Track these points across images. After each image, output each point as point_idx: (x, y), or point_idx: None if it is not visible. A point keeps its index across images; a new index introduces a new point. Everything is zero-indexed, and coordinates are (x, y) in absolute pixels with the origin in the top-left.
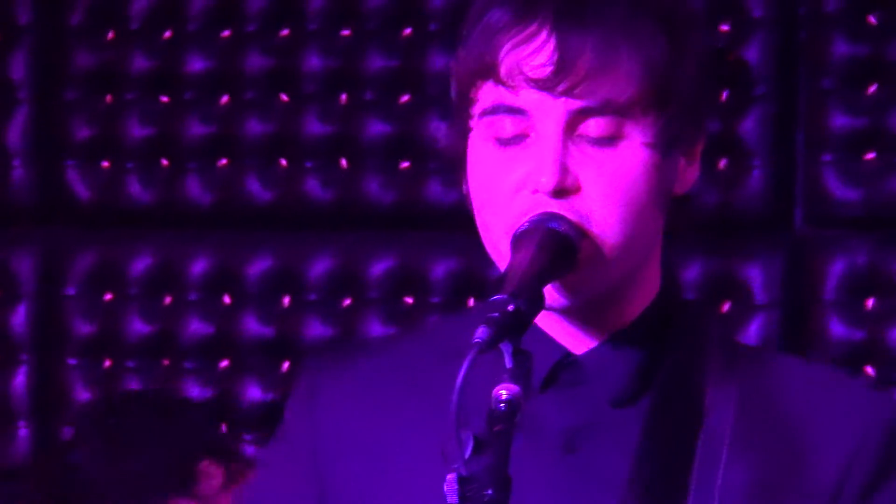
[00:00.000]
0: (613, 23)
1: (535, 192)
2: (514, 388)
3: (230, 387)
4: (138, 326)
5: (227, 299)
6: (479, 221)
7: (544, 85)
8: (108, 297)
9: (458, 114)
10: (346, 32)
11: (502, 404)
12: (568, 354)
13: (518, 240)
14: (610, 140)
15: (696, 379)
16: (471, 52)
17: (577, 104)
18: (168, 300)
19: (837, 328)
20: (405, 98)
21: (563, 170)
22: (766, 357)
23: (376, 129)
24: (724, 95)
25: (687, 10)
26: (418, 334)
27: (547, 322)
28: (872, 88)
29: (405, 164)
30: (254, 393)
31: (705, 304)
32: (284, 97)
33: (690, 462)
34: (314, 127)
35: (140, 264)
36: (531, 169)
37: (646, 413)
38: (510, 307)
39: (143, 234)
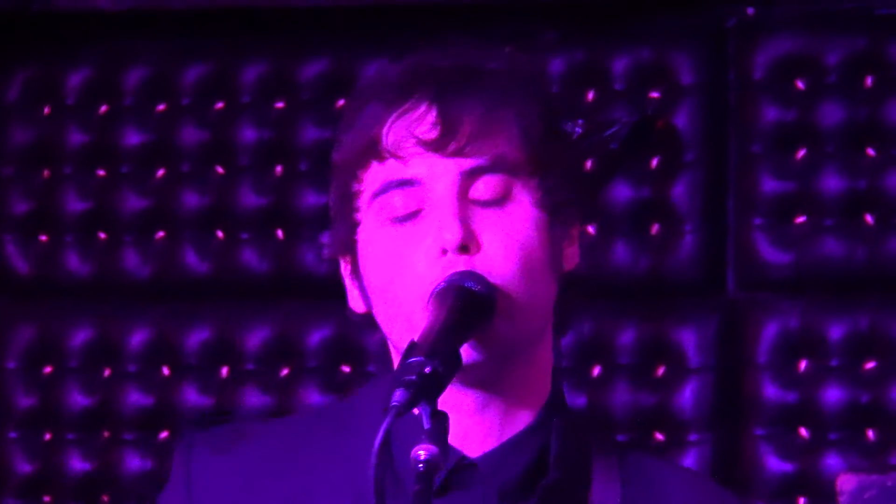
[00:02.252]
0: (492, 92)
1: (442, 252)
2: (433, 448)
3: (169, 459)
4: (78, 399)
5: (165, 370)
6: (386, 306)
7: (434, 146)
8: (48, 369)
9: (341, 214)
10: (280, 104)
11: (421, 465)
12: (463, 458)
13: (432, 301)
14: (501, 200)
15: (581, 477)
16: (354, 137)
17: (468, 163)
18: (107, 372)
19: (770, 390)
20: None
21: (465, 226)
22: (642, 458)
23: (311, 199)
24: (655, 162)
25: (552, 96)
26: (303, 416)
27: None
28: (801, 153)
29: None
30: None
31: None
32: (220, 169)
33: None
34: (249, 198)
35: (79, 337)
36: (434, 232)
37: None
38: (427, 369)
39: (82, 306)
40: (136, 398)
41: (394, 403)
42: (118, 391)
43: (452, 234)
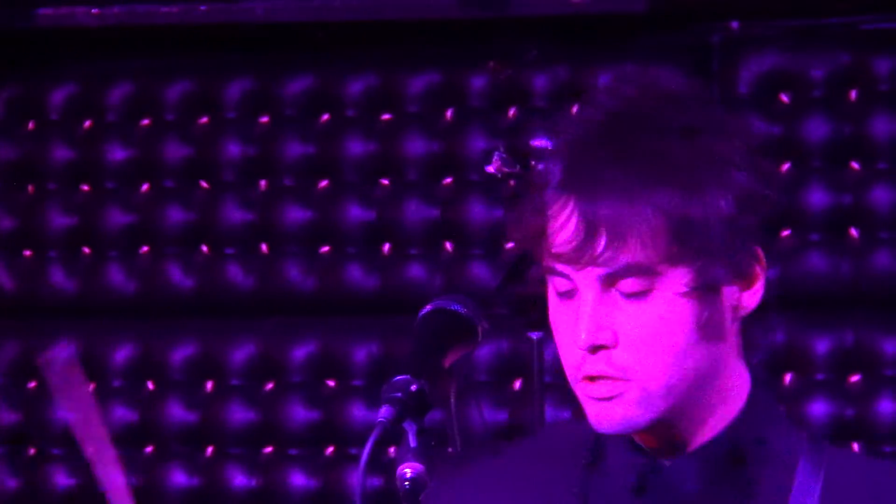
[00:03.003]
0: (624, 193)
1: (579, 348)
2: (419, 466)
3: (156, 473)
4: (63, 415)
5: (150, 386)
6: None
7: (569, 259)
8: (32, 384)
9: (532, 261)
10: (264, 119)
11: (407, 483)
12: (655, 462)
13: (420, 323)
14: (642, 294)
15: (780, 478)
16: (528, 219)
17: (602, 271)
18: (91, 388)
19: None
20: (324, 184)
21: (597, 329)
22: (848, 455)
23: (296, 214)
24: None
25: (714, 151)
26: (533, 438)
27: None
28: (786, 167)
29: (325, 250)
30: (179, 479)
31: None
32: (204, 184)
33: None
34: (234, 214)
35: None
36: (573, 327)
37: None
38: (413, 387)
39: (66, 323)
40: (121, 413)
41: (380, 419)
42: (103, 406)
43: (584, 338)
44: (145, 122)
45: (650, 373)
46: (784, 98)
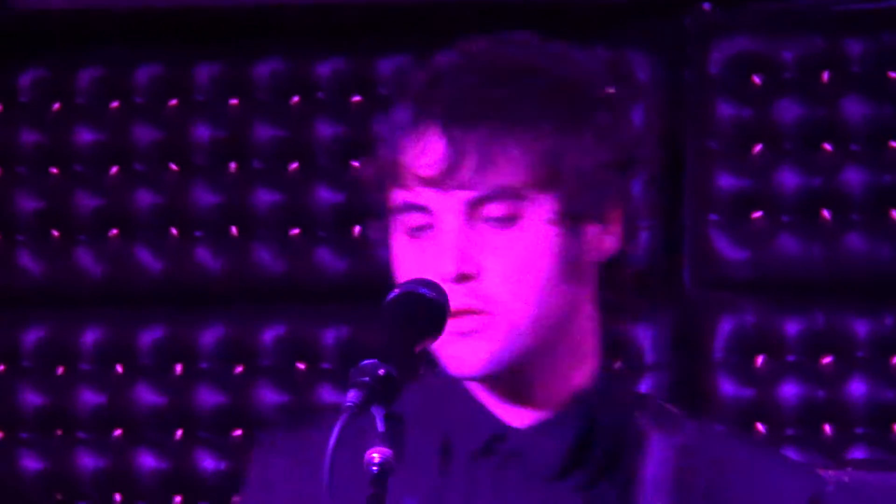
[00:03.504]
0: (499, 115)
1: (443, 281)
2: (387, 451)
3: (125, 457)
4: (31, 398)
5: (119, 369)
6: None
7: (435, 182)
8: (1, 368)
9: (380, 209)
10: (234, 102)
11: (375, 468)
12: (504, 428)
13: (388, 307)
14: (509, 221)
15: (632, 451)
16: (380, 153)
17: (470, 195)
18: (61, 371)
19: (727, 387)
20: (295, 166)
21: (462, 259)
22: (704, 428)
23: (266, 197)
24: None
25: (583, 89)
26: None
27: (486, 395)
28: (758, 149)
29: (295, 232)
30: (148, 462)
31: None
32: (174, 167)
33: None
34: (204, 197)
35: (31, 337)
36: (434, 258)
37: (581, 489)
38: (381, 371)
39: (35, 309)
40: (89, 398)
41: (348, 404)
42: (71, 391)
43: (450, 268)
44: (115, 105)
45: (516, 305)
46: (756, 80)
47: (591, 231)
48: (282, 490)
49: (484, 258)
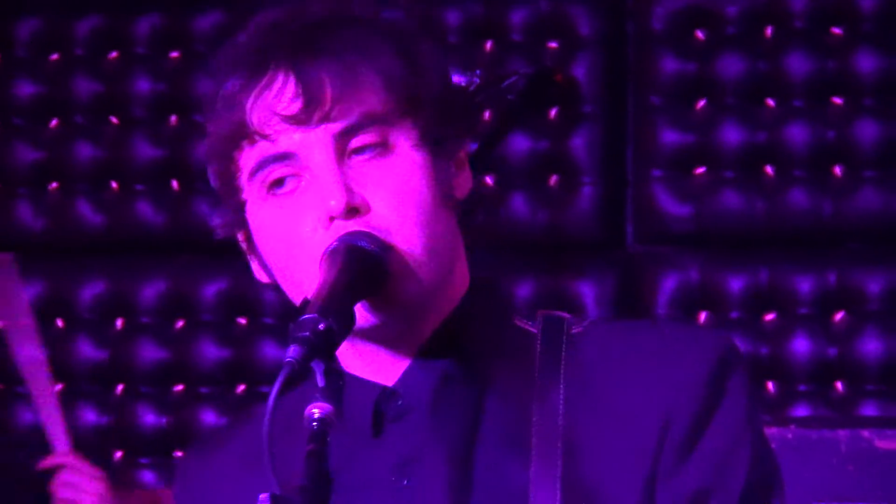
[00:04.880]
0: (346, 48)
1: (330, 220)
2: (327, 406)
3: (65, 412)
4: None
5: (60, 323)
6: (284, 278)
7: (299, 119)
8: None
9: (225, 196)
10: (174, 55)
11: (315, 423)
12: (384, 389)
13: (325, 260)
14: (380, 150)
15: (517, 382)
16: (218, 124)
17: (338, 126)
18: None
19: None
20: None
21: (348, 189)
22: (595, 331)
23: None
24: (553, 113)
25: (413, 28)
26: (258, 416)
27: (353, 362)
28: (701, 104)
29: None
30: (89, 417)
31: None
32: (114, 120)
33: (527, 465)
34: (144, 150)
35: None
36: (318, 201)
37: (471, 427)
38: (321, 326)
39: None
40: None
41: (288, 359)
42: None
43: (337, 200)
44: (55, 57)
45: (411, 234)
46: (699, 35)
47: (447, 169)
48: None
49: (366, 191)
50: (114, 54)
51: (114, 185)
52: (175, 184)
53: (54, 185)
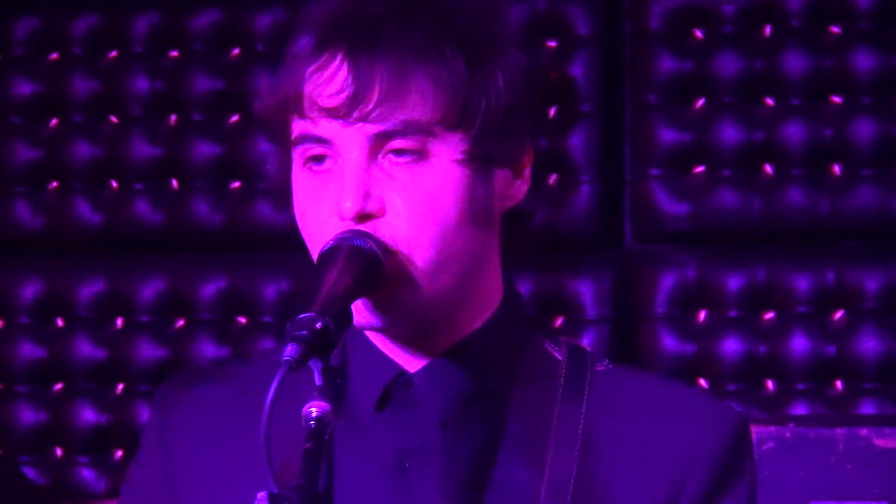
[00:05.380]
0: (406, 48)
1: (342, 218)
2: (324, 405)
3: (64, 411)
4: None
5: (59, 322)
6: (307, 242)
7: (338, 114)
8: None
9: (278, 143)
10: (173, 54)
11: (312, 422)
12: (402, 373)
13: (323, 258)
14: (415, 158)
15: (539, 402)
16: (277, 86)
17: (374, 129)
18: (0, 325)
19: (669, 342)
20: (234, 118)
21: (365, 196)
22: (618, 374)
23: (205, 149)
24: (552, 112)
25: (493, 29)
26: (253, 359)
27: (381, 340)
28: (699, 103)
29: (235, 185)
30: (88, 416)
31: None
32: (113, 119)
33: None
34: (142, 149)
35: None
36: (336, 196)
37: (485, 437)
38: (318, 325)
39: None
40: (29, 350)
41: (285, 358)
42: (10, 344)
43: (352, 204)
44: (53, 56)
45: (418, 246)
46: (697, 34)
47: (501, 176)
48: (176, 439)
49: (387, 195)
50: (112, 53)
51: (112, 183)
52: (174, 182)
53: (53, 183)
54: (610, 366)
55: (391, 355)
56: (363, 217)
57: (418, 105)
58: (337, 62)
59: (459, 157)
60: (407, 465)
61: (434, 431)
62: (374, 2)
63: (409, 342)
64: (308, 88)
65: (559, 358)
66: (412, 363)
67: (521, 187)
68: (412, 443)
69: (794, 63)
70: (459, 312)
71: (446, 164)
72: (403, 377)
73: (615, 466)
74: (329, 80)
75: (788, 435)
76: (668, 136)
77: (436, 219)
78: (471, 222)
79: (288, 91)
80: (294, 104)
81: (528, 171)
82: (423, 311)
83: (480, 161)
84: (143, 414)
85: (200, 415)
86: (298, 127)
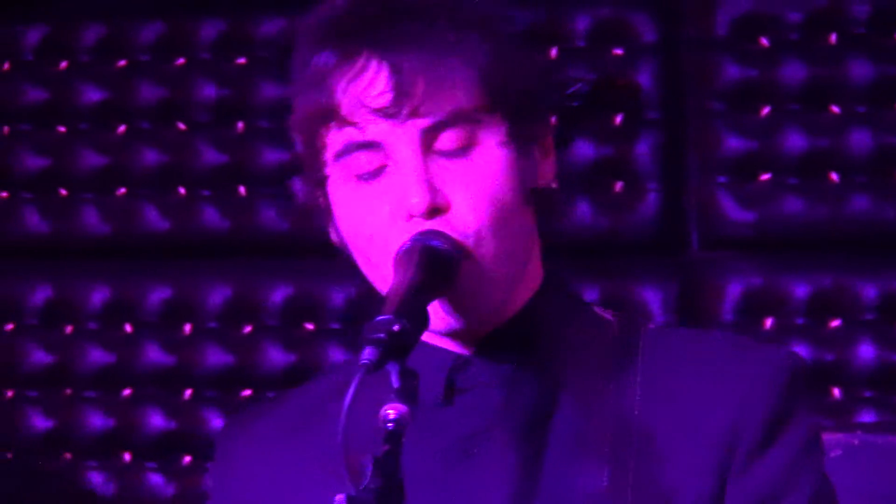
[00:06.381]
0: (439, 39)
1: (410, 217)
2: (402, 407)
3: (133, 416)
4: (38, 356)
5: (128, 328)
6: (362, 262)
7: (388, 112)
8: (10, 327)
9: (309, 165)
10: (240, 61)
11: (390, 424)
12: (458, 356)
13: (399, 260)
14: (466, 148)
15: (595, 362)
16: (307, 101)
17: (426, 122)
18: (68, 330)
19: None
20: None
21: (432, 189)
22: (668, 331)
23: (272, 156)
24: (618, 120)
25: (503, 16)
26: (308, 385)
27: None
28: (764, 111)
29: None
30: (157, 421)
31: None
32: (180, 126)
33: (602, 467)
34: (210, 155)
35: (39, 296)
36: (399, 196)
37: (543, 414)
38: (395, 327)
39: (40, 265)
40: (98, 356)
41: (363, 361)
42: (78, 349)
43: (419, 200)
44: (120, 63)
45: (488, 235)
46: (762, 41)
47: (536, 154)
48: (241, 476)
49: (449, 190)
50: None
51: (120, 190)
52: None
53: (121, 191)
54: (658, 326)
55: (439, 343)
56: (433, 212)
57: (460, 93)
58: (374, 65)
59: (504, 139)
60: (473, 450)
61: (496, 411)
62: (387, 1)
63: (458, 337)
64: (349, 95)
65: (610, 318)
66: (463, 347)
67: (551, 164)
68: (478, 426)
69: (859, 70)
70: (512, 297)
71: (494, 148)
72: (461, 359)
73: (673, 417)
74: (370, 84)
75: (856, 442)
76: (733, 143)
77: (497, 205)
78: (522, 203)
79: (323, 105)
80: (334, 113)
81: (553, 154)
82: (498, 307)
83: (521, 141)
84: (212, 419)
85: (260, 450)
86: (342, 137)
